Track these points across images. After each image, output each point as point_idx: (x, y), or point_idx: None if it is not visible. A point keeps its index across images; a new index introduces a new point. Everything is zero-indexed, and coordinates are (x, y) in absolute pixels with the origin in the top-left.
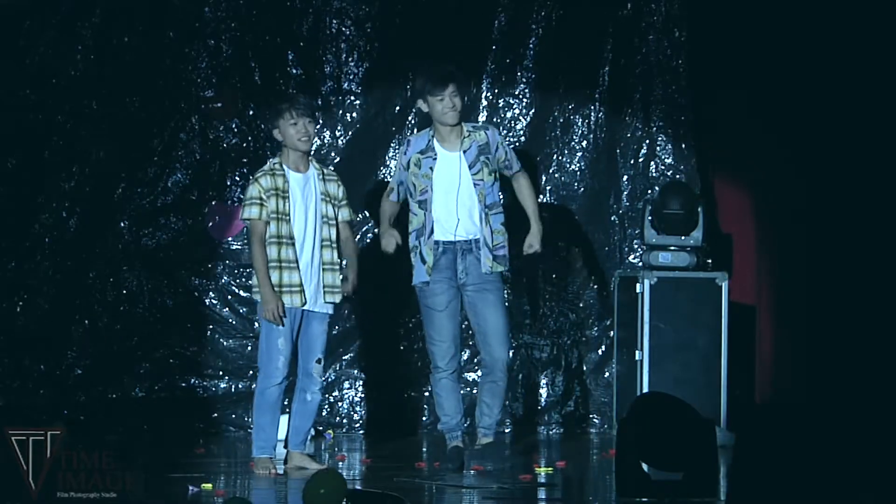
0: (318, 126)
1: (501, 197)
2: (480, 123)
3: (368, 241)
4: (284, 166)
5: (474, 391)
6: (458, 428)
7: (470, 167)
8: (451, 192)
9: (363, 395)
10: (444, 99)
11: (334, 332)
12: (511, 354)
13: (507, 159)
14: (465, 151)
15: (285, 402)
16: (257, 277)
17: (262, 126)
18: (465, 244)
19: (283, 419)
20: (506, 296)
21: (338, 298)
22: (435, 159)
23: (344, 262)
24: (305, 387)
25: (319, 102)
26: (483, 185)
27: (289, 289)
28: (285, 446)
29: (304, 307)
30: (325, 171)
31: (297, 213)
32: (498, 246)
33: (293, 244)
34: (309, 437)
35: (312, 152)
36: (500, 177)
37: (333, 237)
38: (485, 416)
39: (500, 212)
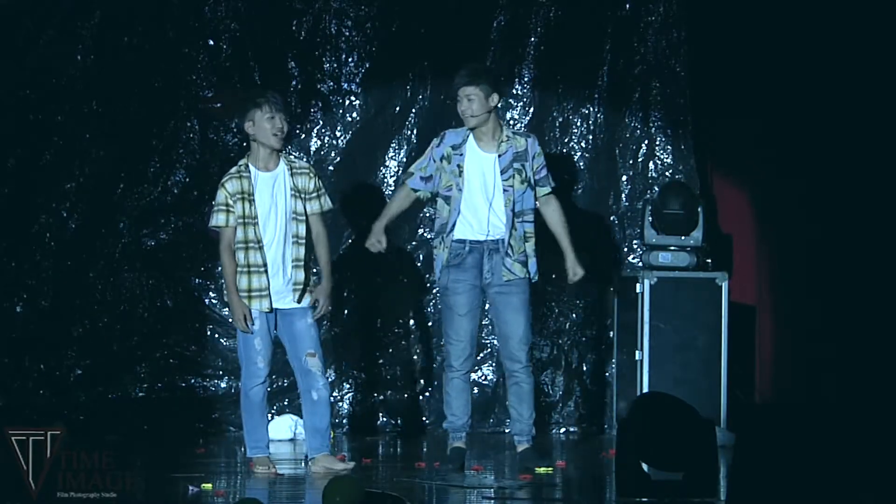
0: (290, 125)
1: (535, 205)
2: (523, 131)
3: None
4: (252, 167)
5: (475, 391)
6: (462, 429)
7: (502, 172)
8: (484, 194)
9: (363, 396)
10: (460, 100)
11: (334, 332)
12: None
13: (539, 172)
14: (500, 156)
15: (285, 403)
16: (225, 285)
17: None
18: (493, 244)
19: (282, 419)
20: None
21: (297, 296)
22: (463, 156)
23: (315, 270)
24: (308, 386)
25: (320, 102)
26: (512, 192)
27: (258, 293)
28: (306, 452)
29: (279, 307)
30: (294, 165)
31: (265, 214)
32: (522, 252)
33: (261, 248)
34: (330, 437)
35: (312, 152)
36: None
37: (302, 233)
38: (515, 422)
39: (531, 220)
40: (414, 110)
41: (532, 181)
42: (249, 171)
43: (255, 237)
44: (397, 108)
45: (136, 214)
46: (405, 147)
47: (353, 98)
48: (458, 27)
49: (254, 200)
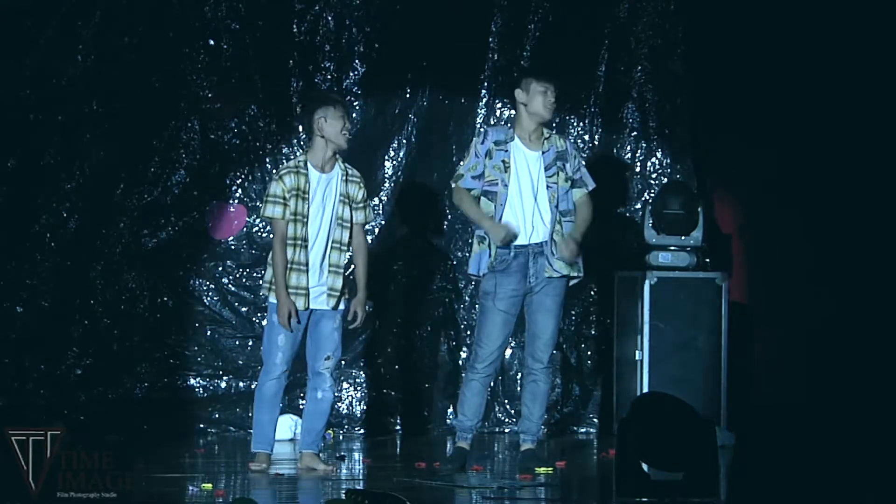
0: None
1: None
2: (559, 133)
3: (369, 240)
4: (310, 165)
5: None
6: (470, 430)
7: (546, 169)
8: (529, 193)
9: (363, 395)
10: (546, 92)
11: None
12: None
13: (578, 172)
14: (544, 153)
15: (285, 403)
16: (274, 279)
17: (262, 126)
18: (537, 247)
19: (282, 419)
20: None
21: (332, 303)
22: (508, 152)
23: (351, 273)
24: (316, 385)
25: None
26: (556, 189)
27: (295, 290)
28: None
29: (312, 307)
30: (349, 171)
31: (312, 214)
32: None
33: (305, 246)
34: (321, 437)
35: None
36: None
37: (345, 240)
38: (525, 419)
39: (572, 220)
40: (413, 111)
41: (572, 182)
42: (307, 169)
43: (303, 235)
44: (397, 109)
45: (136, 214)
46: (405, 148)
47: (352, 98)
48: (457, 28)
49: (308, 199)
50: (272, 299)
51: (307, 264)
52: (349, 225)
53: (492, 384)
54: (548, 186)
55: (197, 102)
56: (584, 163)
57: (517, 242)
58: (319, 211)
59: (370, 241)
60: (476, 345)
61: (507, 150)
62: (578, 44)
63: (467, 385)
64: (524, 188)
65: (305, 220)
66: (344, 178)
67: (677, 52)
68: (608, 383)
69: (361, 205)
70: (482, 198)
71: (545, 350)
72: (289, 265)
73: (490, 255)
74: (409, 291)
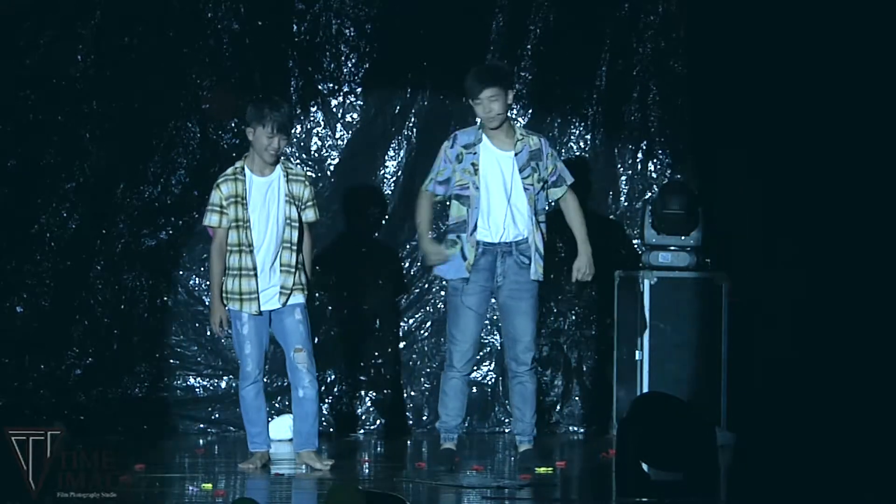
0: (289, 142)
1: (549, 205)
2: (534, 131)
3: (369, 239)
4: (247, 170)
5: (474, 390)
6: (455, 430)
7: (521, 170)
8: (502, 194)
9: (363, 395)
10: (481, 103)
11: (332, 333)
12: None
13: (555, 172)
14: (516, 154)
15: (285, 404)
16: (210, 284)
17: None
18: (506, 246)
19: (282, 419)
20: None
21: (283, 300)
22: (477, 155)
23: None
24: (295, 383)
25: (320, 102)
26: (532, 191)
27: (248, 296)
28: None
29: (267, 308)
30: (290, 172)
31: (257, 218)
32: (538, 253)
33: (251, 251)
34: (316, 434)
35: (312, 152)
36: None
37: (294, 239)
38: (518, 421)
39: (544, 220)
40: (413, 110)
41: (546, 182)
42: (245, 175)
43: (248, 241)
44: (397, 109)
45: (136, 214)
46: (405, 147)
47: (352, 98)
48: (458, 28)
49: (247, 204)
50: (232, 306)
51: (255, 269)
52: (298, 224)
53: (490, 384)
54: (525, 189)
55: (197, 102)
56: (559, 158)
57: (486, 240)
58: (263, 214)
59: (372, 239)
60: (450, 343)
61: (475, 153)
62: (579, 43)
63: (448, 384)
64: (495, 189)
65: (248, 224)
66: (286, 178)
67: (679, 51)
68: (608, 383)
69: (310, 203)
70: (454, 201)
71: (527, 353)
72: (238, 271)
73: (466, 259)
74: (408, 291)
